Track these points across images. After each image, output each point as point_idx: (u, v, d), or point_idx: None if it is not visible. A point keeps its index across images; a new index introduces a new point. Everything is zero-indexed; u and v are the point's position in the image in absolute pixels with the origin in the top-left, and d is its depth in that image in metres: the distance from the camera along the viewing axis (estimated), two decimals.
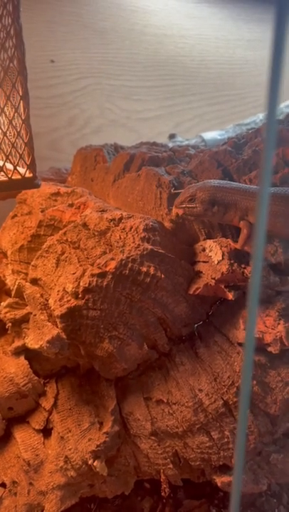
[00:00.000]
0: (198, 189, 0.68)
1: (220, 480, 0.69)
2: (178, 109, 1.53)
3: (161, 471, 0.70)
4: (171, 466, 0.69)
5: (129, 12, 1.37)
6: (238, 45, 1.62)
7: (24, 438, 0.71)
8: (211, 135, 1.23)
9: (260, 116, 1.30)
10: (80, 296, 0.65)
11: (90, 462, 0.67)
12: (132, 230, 0.68)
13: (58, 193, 0.81)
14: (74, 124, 1.33)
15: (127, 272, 0.65)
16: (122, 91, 1.41)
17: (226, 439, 0.67)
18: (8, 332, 0.73)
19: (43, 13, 1.22)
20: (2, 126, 0.56)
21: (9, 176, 0.56)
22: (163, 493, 0.71)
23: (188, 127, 1.54)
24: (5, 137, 0.56)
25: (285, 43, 0.27)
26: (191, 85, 1.55)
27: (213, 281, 0.67)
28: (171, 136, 1.28)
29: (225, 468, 0.69)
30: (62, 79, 1.30)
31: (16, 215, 0.83)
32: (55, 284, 0.70)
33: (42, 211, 0.79)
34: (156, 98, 1.48)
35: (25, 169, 0.58)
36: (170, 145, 1.09)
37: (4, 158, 0.56)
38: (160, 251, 0.67)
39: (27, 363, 0.71)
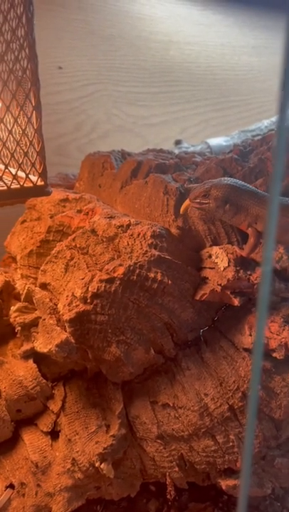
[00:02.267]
0: (214, 186, 0.68)
1: (225, 483, 0.70)
2: (183, 115, 1.54)
3: (167, 474, 0.71)
4: (176, 469, 0.70)
5: (135, 19, 1.39)
6: (243, 52, 1.64)
7: (32, 440, 0.72)
8: (217, 141, 1.25)
9: (265, 123, 1.31)
10: (88, 301, 0.66)
11: (96, 464, 0.68)
12: (140, 236, 0.70)
13: (66, 199, 0.83)
14: (81, 130, 1.34)
15: (135, 277, 0.66)
16: (129, 97, 1.42)
17: (231, 443, 0.68)
18: (18, 336, 0.74)
19: (51, 21, 1.24)
20: (15, 135, 0.57)
21: (21, 183, 0.58)
22: (168, 496, 0.72)
23: (194, 133, 1.55)
24: (17, 146, 0.57)
25: None
26: (197, 91, 1.56)
27: (219, 287, 0.69)
28: (177, 142, 1.30)
29: (230, 472, 0.70)
30: (70, 85, 1.31)
31: (25, 221, 0.85)
32: (64, 289, 0.71)
33: (51, 217, 0.80)
34: (162, 104, 1.49)
35: (36, 177, 0.59)
36: (176, 151, 1.10)
37: (17, 167, 0.58)
38: (167, 257, 0.68)
39: (35, 366, 0.72)
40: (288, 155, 0.80)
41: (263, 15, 1.65)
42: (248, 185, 0.69)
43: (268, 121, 1.31)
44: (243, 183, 0.69)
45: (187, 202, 0.71)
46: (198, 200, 0.69)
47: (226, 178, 0.69)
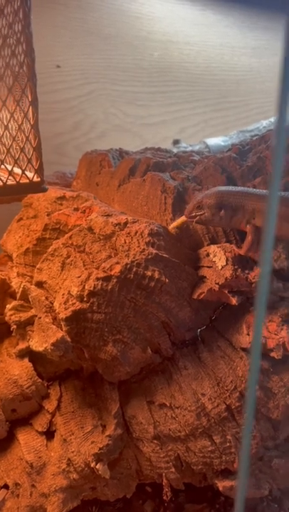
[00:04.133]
0: (205, 196, 0.69)
1: (222, 484, 0.69)
2: (182, 115, 1.54)
3: (163, 474, 0.71)
4: (173, 469, 0.70)
5: (134, 19, 1.39)
6: (242, 53, 1.63)
7: (27, 440, 0.71)
8: (215, 141, 1.24)
9: (264, 123, 1.31)
10: (85, 299, 0.66)
11: (92, 465, 0.68)
12: (137, 234, 0.69)
13: (63, 197, 0.82)
14: (79, 129, 1.34)
15: (132, 276, 0.66)
16: (127, 96, 1.42)
17: (228, 444, 0.67)
18: (13, 334, 0.73)
19: (49, 19, 1.24)
20: (11, 131, 0.57)
21: (17, 180, 0.57)
22: (164, 497, 0.71)
23: (192, 133, 1.55)
24: (14, 142, 0.57)
25: None
26: (196, 91, 1.56)
27: (217, 286, 0.68)
28: (176, 142, 1.29)
29: (227, 473, 0.69)
30: (68, 84, 1.31)
31: (21, 219, 0.84)
32: (60, 287, 0.70)
33: (48, 215, 0.80)
34: (161, 104, 1.49)
35: (33, 173, 0.59)
36: (174, 151, 1.10)
37: (13, 163, 0.57)
38: (165, 255, 0.68)
39: (31, 365, 0.72)
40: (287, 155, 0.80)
41: (263, 16, 1.65)
42: (236, 186, 0.71)
43: (266, 122, 1.30)
44: (231, 186, 0.70)
45: (183, 218, 0.71)
46: (193, 214, 0.69)
47: (214, 188, 0.70)
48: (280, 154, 0.29)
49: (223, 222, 0.70)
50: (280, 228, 0.66)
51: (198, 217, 0.69)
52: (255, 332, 0.33)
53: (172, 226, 0.73)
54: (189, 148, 1.21)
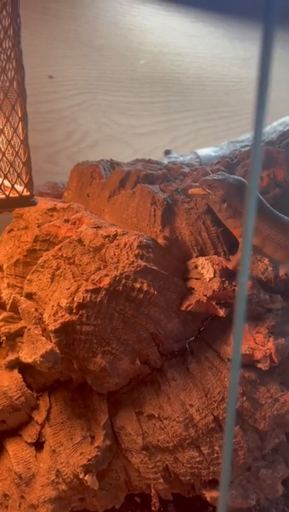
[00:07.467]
0: (220, 181, 0.67)
1: (209, 495, 0.70)
2: (173, 125, 1.55)
3: (152, 485, 0.71)
4: (161, 480, 0.70)
5: (126, 30, 1.40)
6: (233, 63, 1.66)
7: (16, 451, 0.71)
8: (206, 152, 1.25)
9: None
10: (74, 311, 0.66)
11: (81, 476, 0.68)
12: (127, 246, 0.70)
13: (54, 209, 0.83)
14: (71, 139, 1.35)
15: (121, 288, 0.66)
16: (119, 106, 1.43)
17: (215, 454, 0.68)
18: (3, 346, 0.74)
19: (43, 30, 1.25)
20: (1, 146, 0.57)
21: (7, 194, 0.58)
22: (153, 508, 0.72)
23: (184, 142, 1.56)
24: (4, 157, 0.57)
25: (272, 60, 0.27)
26: (187, 102, 1.58)
27: (205, 298, 0.69)
28: (167, 152, 1.30)
29: (214, 483, 0.70)
30: (60, 94, 1.32)
31: (12, 230, 0.84)
32: (49, 299, 0.71)
33: (38, 226, 0.80)
34: (152, 114, 1.50)
35: (22, 187, 0.59)
36: (165, 161, 1.11)
37: (2, 177, 0.58)
38: (153, 268, 0.69)
39: (20, 376, 0.72)
40: (273, 170, 0.79)
41: (253, 28, 1.67)
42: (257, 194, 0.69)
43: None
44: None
45: (202, 191, 0.70)
46: (204, 187, 0.68)
47: (236, 178, 0.68)
48: (257, 168, 0.30)
49: (221, 215, 0.69)
50: (274, 253, 0.67)
51: (206, 193, 0.68)
52: (235, 340, 0.33)
53: (192, 191, 0.72)
54: (180, 159, 1.22)
